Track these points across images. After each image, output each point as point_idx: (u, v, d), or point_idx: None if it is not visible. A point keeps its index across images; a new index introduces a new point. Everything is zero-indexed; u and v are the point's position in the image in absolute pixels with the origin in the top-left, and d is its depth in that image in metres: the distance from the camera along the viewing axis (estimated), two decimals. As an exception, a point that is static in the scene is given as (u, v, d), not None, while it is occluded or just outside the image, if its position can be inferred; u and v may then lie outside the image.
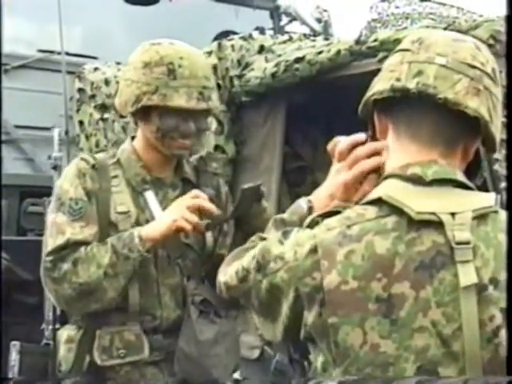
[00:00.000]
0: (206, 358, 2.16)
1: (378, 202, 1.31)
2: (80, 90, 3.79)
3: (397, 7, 3.26)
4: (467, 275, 1.26)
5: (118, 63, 3.80)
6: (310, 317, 1.29)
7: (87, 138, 3.74)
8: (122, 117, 2.34)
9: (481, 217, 1.29)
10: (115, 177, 2.23)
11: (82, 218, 2.14)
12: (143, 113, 2.18)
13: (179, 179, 2.30)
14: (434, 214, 1.28)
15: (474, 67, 1.34)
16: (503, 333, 1.26)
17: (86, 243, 2.12)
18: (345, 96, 2.92)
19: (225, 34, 4.61)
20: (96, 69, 3.79)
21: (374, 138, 1.44)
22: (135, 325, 2.17)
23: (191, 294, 2.22)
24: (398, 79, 1.34)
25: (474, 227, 1.29)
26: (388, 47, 2.52)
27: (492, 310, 1.26)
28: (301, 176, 3.37)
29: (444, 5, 3.31)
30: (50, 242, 2.13)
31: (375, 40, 2.58)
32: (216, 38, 4.71)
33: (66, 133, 4.37)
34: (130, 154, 2.25)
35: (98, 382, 2.16)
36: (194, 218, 2.11)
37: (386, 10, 3.26)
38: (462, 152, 1.37)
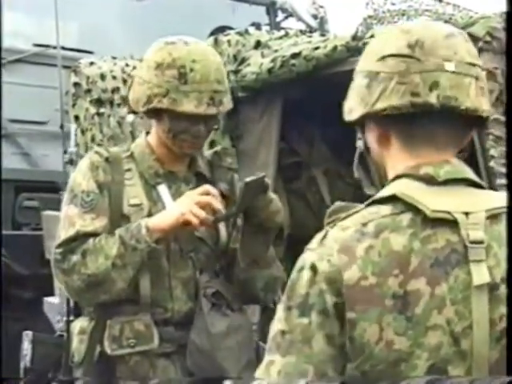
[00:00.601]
0: (217, 350, 2.17)
1: (391, 199, 1.31)
2: (76, 85, 3.77)
3: (393, 4, 3.26)
4: (480, 274, 1.26)
5: (114, 58, 3.79)
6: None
7: (83, 132, 3.73)
8: (134, 112, 2.36)
9: (494, 216, 1.30)
10: (128, 170, 2.25)
11: (93, 209, 2.17)
12: (155, 113, 2.20)
13: (193, 174, 2.31)
14: (448, 212, 1.29)
15: (474, 65, 1.34)
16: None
17: (95, 235, 2.14)
18: (341, 92, 2.92)
19: (221, 30, 4.61)
20: (92, 63, 3.78)
21: (366, 146, 1.43)
22: (146, 315, 2.19)
23: (203, 287, 2.24)
24: (416, 94, 1.31)
25: (488, 227, 1.29)
26: (384, 43, 2.52)
27: (502, 310, 1.26)
28: (296, 172, 3.37)
29: (440, 1, 3.31)
30: (62, 234, 2.16)
31: (372, 36, 2.58)
32: (212, 34, 4.71)
33: (61, 127, 4.38)
34: (144, 148, 2.27)
35: (109, 372, 2.18)
36: (202, 213, 2.11)
37: (382, 7, 3.27)
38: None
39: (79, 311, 2.31)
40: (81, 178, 2.21)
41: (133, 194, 2.22)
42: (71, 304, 2.33)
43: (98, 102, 3.66)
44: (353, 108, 1.38)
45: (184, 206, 2.13)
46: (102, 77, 3.66)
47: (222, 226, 2.31)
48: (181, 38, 2.23)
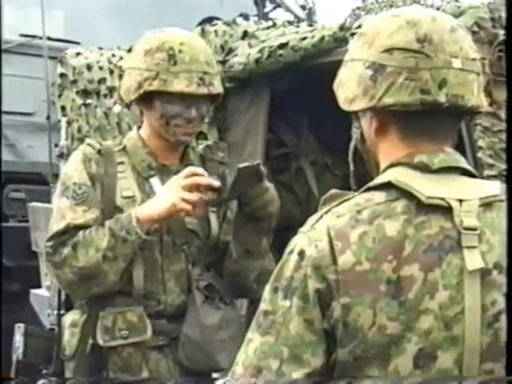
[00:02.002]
0: (210, 343, 2.18)
1: (386, 186, 1.32)
2: (62, 76, 3.75)
3: (381, -6, 3.26)
4: (473, 260, 1.27)
5: (101, 48, 3.77)
6: (338, 306, 1.28)
7: (69, 123, 3.70)
8: (127, 106, 2.35)
9: (487, 204, 1.31)
10: (121, 163, 2.25)
11: (85, 202, 2.16)
12: (146, 100, 2.20)
13: (184, 167, 2.27)
14: (443, 199, 1.30)
15: (475, 60, 1.34)
16: (504, 318, 1.27)
17: (86, 227, 2.13)
18: (329, 82, 2.91)
19: (209, 20, 4.58)
20: (78, 54, 3.76)
21: (362, 135, 1.42)
22: (139, 307, 2.19)
23: (196, 280, 2.24)
24: (426, 91, 1.31)
25: (481, 214, 1.30)
26: (372, 33, 2.51)
27: (494, 295, 1.28)
28: (284, 163, 3.37)
29: (428, -8, 3.31)
30: (53, 227, 2.16)
31: (359, 26, 2.57)
32: (200, 24, 4.69)
33: (48, 118, 4.35)
34: (136, 141, 2.27)
35: (101, 364, 2.17)
36: (192, 197, 2.10)
37: (371, -2, 3.26)
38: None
39: (70, 304, 2.30)
40: (73, 170, 2.21)
41: (125, 187, 2.22)
42: (62, 297, 2.31)
43: (85, 93, 3.64)
44: (354, 98, 1.36)
45: (172, 193, 2.11)
46: (89, 67, 3.64)
47: (213, 219, 2.31)
48: (167, 28, 2.24)
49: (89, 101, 3.62)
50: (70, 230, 2.13)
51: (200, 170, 2.17)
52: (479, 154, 2.28)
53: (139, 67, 2.18)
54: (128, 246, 2.12)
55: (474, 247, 1.28)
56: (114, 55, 3.56)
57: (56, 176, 3.89)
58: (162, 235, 2.21)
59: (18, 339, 2.33)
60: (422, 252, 1.27)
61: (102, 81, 3.57)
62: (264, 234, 2.28)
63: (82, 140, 3.60)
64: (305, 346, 1.28)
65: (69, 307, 2.30)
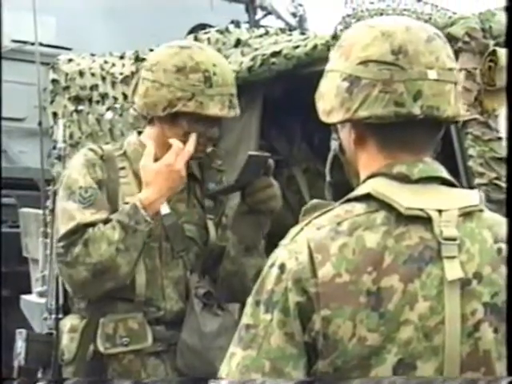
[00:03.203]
0: (209, 350, 2.19)
1: (366, 198, 1.33)
2: (54, 81, 3.75)
3: (371, 3, 3.27)
4: (453, 270, 1.28)
5: (93, 55, 3.77)
6: (318, 319, 1.28)
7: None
8: (144, 117, 2.34)
9: (466, 214, 1.32)
10: (123, 168, 2.26)
11: (93, 205, 2.16)
12: (171, 117, 2.21)
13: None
14: (422, 210, 1.30)
15: (452, 70, 1.35)
16: (484, 327, 1.28)
17: (95, 225, 2.13)
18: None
19: (200, 27, 4.60)
20: (70, 60, 3.76)
21: (341, 147, 1.44)
22: (139, 313, 2.20)
23: (195, 287, 2.25)
24: (401, 104, 1.32)
25: (460, 224, 1.31)
26: (364, 43, 2.53)
27: (474, 305, 1.28)
28: (276, 170, 3.37)
29: (418, 1, 3.32)
30: (62, 228, 2.15)
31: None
32: (191, 31, 4.69)
33: (40, 124, 4.35)
34: (138, 146, 2.28)
35: (100, 370, 2.18)
36: (179, 144, 2.16)
37: (361, 6, 3.27)
38: None
39: (68, 309, 2.30)
40: (76, 174, 2.20)
41: (128, 192, 2.22)
42: (60, 301, 2.31)
43: (77, 99, 3.64)
44: (332, 110, 1.38)
45: (161, 171, 2.15)
46: (81, 74, 3.64)
47: (211, 225, 2.33)
48: (191, 43, 2.32)
49: (81, 107, 3.62)
50: (80, 229, 2.12)
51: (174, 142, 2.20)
52: (470, 163, 2.30)
53: (170, 84, 2.17)
54: (139, 236, 2.12)
55: (453, 257, 1.28)
56: (106, 62, 3.56)
57: (48, 181, 3.90)
58: (161, 242, 2.23)
59: (20, 345, 2.33)
60: (401, 263, 1.28)
61: (94, 87, 3.57)
62: (262, 229, 2.29)
63: (74, 146, 3.61)
64: (286, 359, 1.29)
65: (66, 311, 2.30)
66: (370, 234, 1.29)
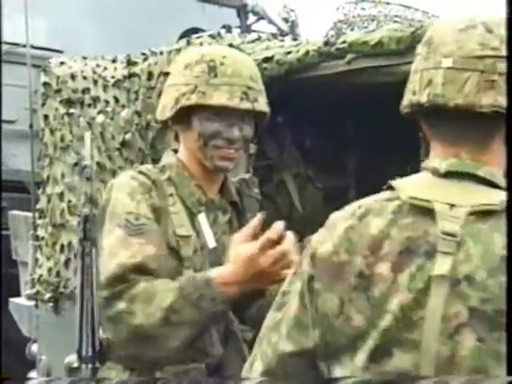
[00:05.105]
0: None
1: (391, 188, 1.37)
2: (45, 84, 3.74)
3: (363, 9, 3.28)
4: (441, 266, 1.26)
5: (85, 58, 3.77)
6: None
7: (52, 132, 3.70)
8: (164, 127, 2.17)
9: (479, 213, 1.27)
10: (170, 195, 1.99)
11: (142, 234, 1.86)
12: (184, 119, 2.00)
13: (227, 201, 2.11)
14: (427, 201, 1.29)
15: (483, 57, 1.30)
16: (465, 332, 1.24)
17: (145, 268, 1.83)
18: (313, 96, 2.94)
19: (192, 31, 4.60)
20: (62, 63, 3.75)
21: (425, 140, 1.45)
22: (199, 363, 1.93)
23: (240, 330, 2.03)
24: (414, 92, 1.36)
25: (469, 222, 1.27)
26: (356, 49, 2.54)
27: (459, 307, 1.25)
28: (267, 175, 3.38)
29: (409, 8, 3.34)
30: (103, 270, 1.86)
31: (344, 42, 2.60)
32: (183, 35, 4.70)
33: (31, 126, 4.34)
34: (181, 169, 2.03)
35: None
36: (294, 258, 1.80)
37: (353, 12, 3.28)
38: (501, 144, 1.34)
39: (105, 356, 1.97)
40: (126, 198, 1.91)
41: (179, 223, 1.95)
42: (97, 346, 1.93)
43: (68, 102, 3.63)
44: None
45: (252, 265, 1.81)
46: (73, 77, 3.64)
47: None
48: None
49: (72, 110, 3.61)
50: (126, 274, 1.82)
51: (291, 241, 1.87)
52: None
53: (177, 83, 2.00)
54: (198, 314, 1.81)
55: (448, 253, 1.26)
56: (98, 65, 3.56)
57: (38, 184, 3.89)
58: None
59: None
60: (397, 253, 1.29)
61: (85, 90, 3.57)
62: None
63: (64, 149, 3.60)
64: (299, 329, 1.37)
65: (103, 359, 1.96)
66: (377, 220, 1.31)
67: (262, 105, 2.03)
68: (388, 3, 3.32)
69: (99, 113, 3.48)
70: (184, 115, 1.99)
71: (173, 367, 1.88)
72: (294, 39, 3.03)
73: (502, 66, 1.30)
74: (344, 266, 1.31)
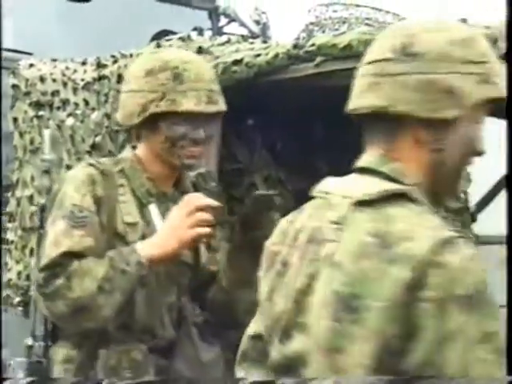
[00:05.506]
0: (206, 380, 2.05)
1: None
2: (14, 87, 3.72)
3: (334, 11, 3.30)
4: (325, 252, 1.33)
5: (54, 60, 3.74)
6: None
7: (21, 135, 3.68)
8: (127, 131, 2.32)
9: (361, 203, 1.32)
10: (121, 185, 2.15)
11: (83, 227, 2.02)
12: (149, 123, 2.12)
13: (180, 193, 2.21)
14: (326, 193, 1.40)
15: (376, 61, 1.37)
16: (324, 313, 1.30)
17: (82, 256, 2.00)
18: (283, 99, 2.95)
19: (163, 34, 4.59)
20: (31, 65, 3.73)
21: None
22: (141, 343, 2.08)
23: (191, 314, 2.16)
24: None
25: (350, 211, 1.33)
26: (325, 52, 2.55)
27: (327, 290, 1.31)
28: (238, 178, 3.38)
29: (380, 10, 3.36)
30: (45, 253, 2.02)
31: (313, 45, 2.60)
32: (154, 38, 4.69)
33: (-1, 129, 4.30)
34: (135, 163, 2.19)
35: None
36: (207, 216, 2.02)
37: (324, 14, 3.30)
38: (413, 142, 1.38)
39: (57, 334, 2.16)
40: (73, 191, 2.07)
41: (127, 212, 2.12)
42: (49, 327, 2.16)
43: (38, 105, 3.61)
44: None
45: (184, 226, 2.02)
46: (42, 79, 3.62)
47: (203, 250, 2.25)
48: (157, 48, 2.29)
49: (41, 113, 3.59)
50: (65, 259, 1.98)
51: (197, 195, 2.10)
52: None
53: (141, 89, 2.10)
54: (127, 279, 2.00)
55: (333, 241, 1.33)
56: (68, 67, 3.54)
57: (7, 188, 3.86)
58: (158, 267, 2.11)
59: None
60: (304, 242, 1.39)
61: (55, 93, 3.55)
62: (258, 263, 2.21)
63: (34, 152, 3.58)
64: (259, 312, 1.51)
65: (55, 337, 2.15)
66: (303, 214, 1.44)
67: (222, 105, 2.18)
68: (358, 5, 3.34)
69: (69, 115, 3.46)
70: (150, 120, 2.11)
71: (115, 346, 2.04)
72: (264, 42, 3.04)
73: (388, 68, 1.35)
74: (276, 255, 1.45)
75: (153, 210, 2.15)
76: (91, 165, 2.14)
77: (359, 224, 1.31)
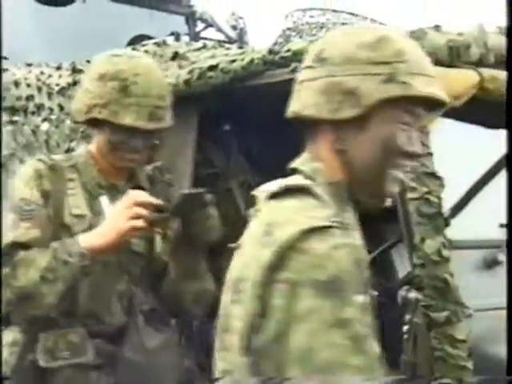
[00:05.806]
0: (151, 366, 2.17)
1: None
2: (-12, 92, 3.69)
3: (311, 16, 3.31)
4: (241, 239, 1.40)
5: (29, 65, 3.72)
6: None
7: (-5, 140, 3.65)
8: (75, 122, 2.39)
9: (270, 197, 1.37)
10: (71, 180, 2.24)
11: (30, 219, 2.12)
12: (96, 123, 2.21)
13: (132, 187, 2.28)
14: (263, 192, 1.41)
15: (309, 67, 1.43)
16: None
17: (28, 247, 2.10)
18: (258, 104, 2.95)
19: (140, 38, 4.58)
20: (5, 70, 3.71)
21: None
22: (80, 327, 2.17)
23: (139, 302, 2.23)
24: None
25: (262, 204, 1.38)
26: (301, 58, 2.54)
27: (231, 273, 1.38)
28: (213, 183, 3.38)
29: (357, 16, 3.37)
30: None
31: (288, 50, 2.61)
32: (130, 42, 4.67)
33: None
34: (87, 158, 2.27)
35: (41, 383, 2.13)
36: (142, 211, 2.08)
37: (301, 19, 3.31)
38: (328, 143, 1.43)
39: (10, 320, 2.25)
40: (22, 185, 2.18)
41: (74, 204, 2.20)
42: (2, 312, 2.23)
43: (12, 110, 3.59)
44: None
45: (118, 218, 2.09)
46: (16, 84, 3.60)
47: (158, 239, 2.32)
48: (126, 52, 2.29)
49: (16, 118, 3.57)
50: (12, 250, 2.09)
51: (140, 192, 2.17)
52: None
53: (91, 90, 2.19)
54: (69, 269, 2.08)
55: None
56: (42, 72, 3.52)
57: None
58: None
59: None
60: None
61: (29, 98, 3.53)
62: (201, 256, 2.30)
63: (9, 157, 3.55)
64: None
65: (8, 322, 2.25)
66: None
67: (167, 121, 2.23)
68: (336, 11, 3.35)
69: (44, 120, 3.45)
70: (96, 121, 2.20)
71: (53, 329, 2.14)
72: (240, 47, 3.04)
73: (304, 75, 1.42)
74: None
75: (103, 201, 2.23)
76: (40, 160, 2.23)
77: (262, 215, 1.36)
